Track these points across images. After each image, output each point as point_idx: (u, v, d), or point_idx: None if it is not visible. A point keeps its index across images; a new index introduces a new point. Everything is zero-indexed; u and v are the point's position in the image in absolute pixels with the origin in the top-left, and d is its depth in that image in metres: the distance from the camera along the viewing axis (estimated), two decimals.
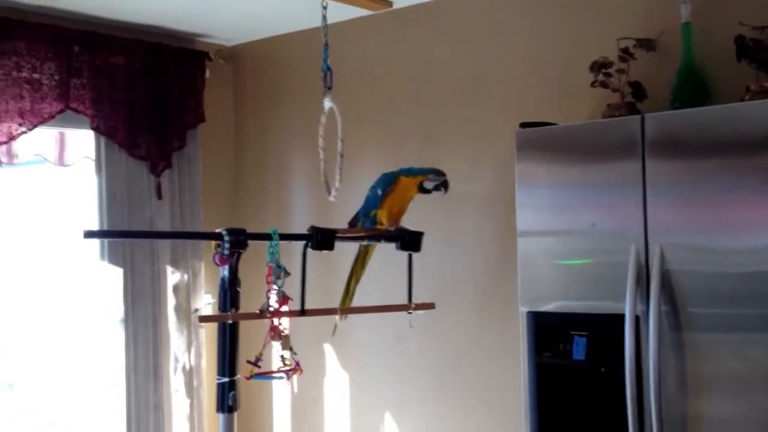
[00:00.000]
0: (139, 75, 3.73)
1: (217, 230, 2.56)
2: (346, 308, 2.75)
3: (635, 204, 2.43)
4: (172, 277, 3.83)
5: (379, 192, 2.71)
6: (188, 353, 3.85)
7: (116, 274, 3.66)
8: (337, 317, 2.73)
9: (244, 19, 3.80)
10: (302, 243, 2.62)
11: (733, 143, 2.29)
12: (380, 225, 2.74)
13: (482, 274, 3.37)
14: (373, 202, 2.73)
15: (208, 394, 3.86)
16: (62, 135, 3.78)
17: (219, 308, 2.60)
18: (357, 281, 2.81)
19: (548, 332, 2.60)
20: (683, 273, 2.34)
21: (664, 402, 2.34)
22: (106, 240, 3.63)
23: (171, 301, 3.82)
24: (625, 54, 2.82)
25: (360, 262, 2.80)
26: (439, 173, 2.68)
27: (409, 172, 2.70)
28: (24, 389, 4.21)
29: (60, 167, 3.84)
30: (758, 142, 2.24)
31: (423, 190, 2.68)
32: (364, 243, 2.76)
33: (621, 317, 2.40)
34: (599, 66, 2.82)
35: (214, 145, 4.14)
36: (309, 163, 3.78)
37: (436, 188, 2.67)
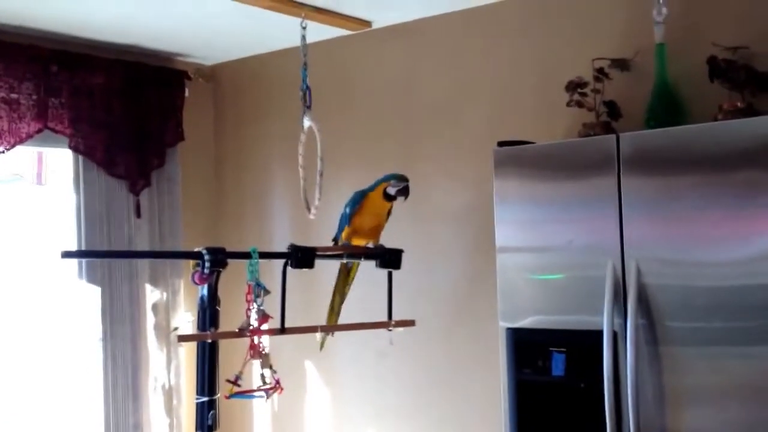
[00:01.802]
0: (117, 94, 3.73)
1: (197, 249, 2.57)
2: (326, 326, 2.76)
3: (611, 220, 2.46)
4: (151, 295, 3.82)
5: (347, 211, 2.74)
6: (168, 372, 3.84)
7: (94, 293, 3.64)
8: (320, 334, 2.74)
9: (223, 39, 3.82)
10: (283, 261, 2.63)
11: (706, 161, 2.34)
12: (354, 242, 2.76)
13: (462, 290, 3.40)
14: (344, 221, 2.75)
15: (188, 414, 3.84)
16: (40, 154, 3.78)
17: (198, 327, 2.60)
18: (342, 299, 2.82)
19: (527, 348, 2.62)
20: (659, 287, 2.38)
21: (642, 416, 2.37)
22: (84, 259, 3.61)
23: (150, 319, 3.81)
24: (600, 74, 2.87)
25: (343, 279, 2.82)
26: (401, 178, 2.71)
27: (375, 186, 2.72)
28: (3, 407, 4.17)
29: (38, 186, 3.84)
30: (730, 160, 2.29)
31: (388, 197, 2.70)
32: (344, 261, 2.78)
33: (599, 333, 2.42)
34: (575, 86, 2.87)
35: (193, 164, 4.15)
36: (290, 181, 3.79)
37: (398, 194, 2.69)
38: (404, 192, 2.70)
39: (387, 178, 2.70)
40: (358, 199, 2.72)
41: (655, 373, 2.37)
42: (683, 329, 2.34)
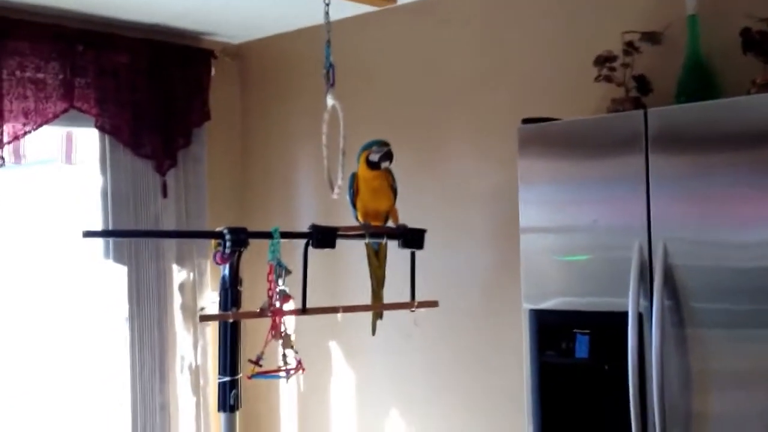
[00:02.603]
0: (143, 74, 3.72)
1: (218, 229, 2.56)
2: (348, 307, 2.73)
3: (638, 199, 2.39)
4: (178, 275, 3.83)
5: (347, 197, 2.70)
6: (194, 352, 3.85)
7: (121, 272, 3.66)
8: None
9: (249, 17, 3.79)
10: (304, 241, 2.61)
11: (737, 137, 2.25)
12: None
13: (487, 271, 3.35)
14: (352, 207, 2.72)
15: (215, 393, 3.82)
16: (70, 134, 3.80)
17: (220, 307, 2.60)
18: (379, 281, 2.78)
19: (551, 330, 2.57)
20: (687, 268, 2.30)
21: (667, 399, 2.30)
22: (108, 239, 3.63)
23: (177, 299, 3.82)
24: (630, 48, 2.78)
25: (372, 262, 2.78)
26: (382, 143, 2.64)
27: (358, 159, 2.66)
28: (30, 388, 4.23)
29: (68, 166, 3.86)
30: (763, 136, 2.19)
31: (372, 165, 2.63)
32: (366, 241, 2.75)
33: (624, 314, 2.36)
34: (603, 60, 2.78)
35: (219, 144, 4.13)
36: (315, 160, 3.75)
37: (381, 159, 2.62)
38: (387, 156, 2.62)
39: (367, 146, 2.65)
40: (351, 182, 2.68)
41: (680, 356, 2.30)
42: (710, 311, 2.26)
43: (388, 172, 2.70)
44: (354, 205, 2.71)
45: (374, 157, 2.64)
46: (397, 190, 2.74)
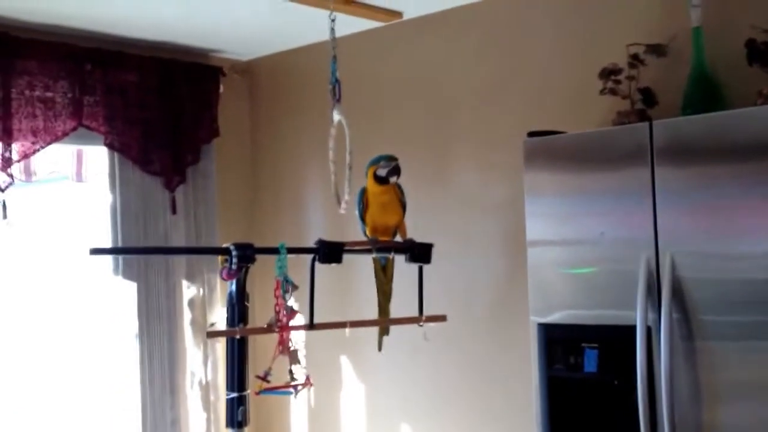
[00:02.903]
0: (152, 91, 3.74)
1: (225, 245, 2.56)
2: (355, 322, 2.73)
3: (645, 212, 2.38)
4: (188, 291, 3.84)
5: (356, 212, 2.69)
6: (204, 368, 3.86)
7: (131, 288, 3.67)
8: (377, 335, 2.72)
9: (258, 34, 3.81)
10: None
11: (743, 149, 2.24)
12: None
13: (494, 284, 3.34)
14: (360, 222, 2.71)
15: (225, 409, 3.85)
16: (80, 151, 3.82)
17: (227, 323, 2.59)
18: (386, 297, 2.77)
19: (559, 344, 2.56)
20: (695, 281, 2.29)
21: (677, 413, 2.29)
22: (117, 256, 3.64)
23: (186, 315, 3.83)
24: (635, 60, 2.78)
25: (380, 278, 2.78)
26: (390, 158, 2.62)
27: (366, 174, 2.66)
28: (41, 403, 4.23)
29: (78, 183, 3.88)
30: None
31: (379, 180, 2.62)
32: (373, 256, 2.74)
33: (632, 328, 2.35)
34: (608, 73, 2.79)
35: (229, 160, 4.15)
36: (325, 176, 3.75)
37: (389, 174, 2.61)
38: (395, 171, 2.60)
39: (373, 162, 2.64)
40: (360, 197, 2.68)
41: (690, 369, 2.29)
42: (719, 324, 2.25)
43: (397, 187, 2.70)
44: (363, 219, 2.71)
45: (382, 172, 2.64)
46: (406, 205, 2.74)
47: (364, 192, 2.68)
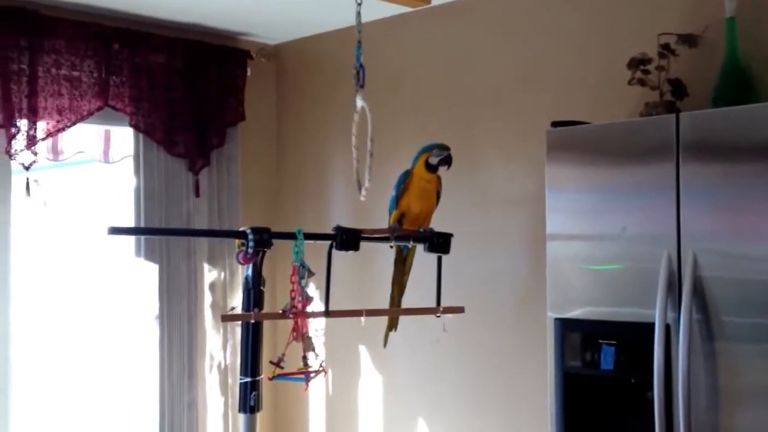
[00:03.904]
0: (179, 73, 3.73)
1: (241, 228, 2.54)
2: (371, 310, 2.69)
3: (668, 208, 2.31)
4: (209, 275, 3.83)
5: (394, 193, 2.66)
6: (223, 352, 3.85)
7: (152, 270, 3.67)
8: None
9: (286, 17, 3.78)
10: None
11: None
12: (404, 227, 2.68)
13: (513, 277, 3.29)
14: (391, 204, 2.67)
15: None
16: (108, 133, 3.83)
17: (242, 308, 2.58)
18: (401, 289, 2.75)
19: (576, 340, 2.50)
20: (717, 280, 2.22)
21: (693, 414, 2.23)
22: (142, 236, 3.64)
23: (207, 298, 3.82)
24: (666, 50, 2.70)
25: (399, 269, 2.75)
26: (443, 147, 2.60)
27: (416, 159, 2.63)
28: (60, 384, 4.27)
29: (105, 165, 3.89)
30: None
31: (430, 168, 2.60)
32: (391, 244, 2.71)
33: (651, 326, 2.29)
34: (637, 63, 2.71)
35: (254, 144, 4.13)
36: (348, 162, 3.74)
37: (440, 163, 2.59)
38: (447, 161, 2.59)
39: (428, 148, 2.61)
40: (403, 179, 2.64)
41: (708, 370, 2.22)
42: (740, 325, 2.18)
43: (439, 179, 2.67)
44: (397, 202, 2.67)
45: (434, 161, 2.61)
46: (440, 196, 2.70)
47: (407, 175, 2.64)
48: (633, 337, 2.37)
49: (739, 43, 2.55)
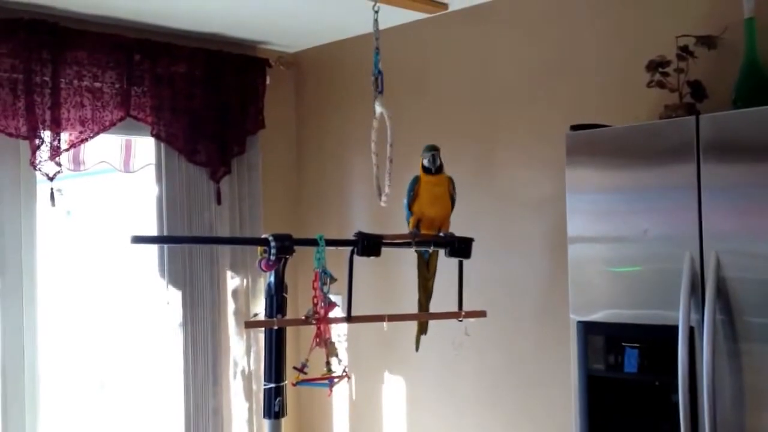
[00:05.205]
0: (199, 82, 3.77)
1: (263, 236, 2.56)
2: (393, 316, 2.70)
3: (690, 209, 2.31)
4: (232, 281, 3.86)
5: (405, 201, 2.67)
6: (247, 358, 3.87)
7: (175, 278, 3.69)
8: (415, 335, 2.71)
9: (304, 26, 3.81)
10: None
11: None
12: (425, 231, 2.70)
13: (535, 281, 3.29)
14: (405, 211, 2.69)
15: None
16: (129, 142, 3.87)
17: (265, 314, 2.60)
18: (427, 294, 2.76)
19: (599, 343, 2.50)
20: (740, 281, 2.22)
21: (719, 416, 2.22)
22: (165, 245, 3.67)
23: (230, 305, 3.85)
24: (684, 52, 2.70)
25: (423, 274, 2.76)
26: (430, 148, 2.64)
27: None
28: (86, 390, 4.31)
29: (126, 174, 3.93)
30: None
31: (426, 170, 2.64)
32: (413, 249, 2.72)
33: (674, 328, 2.28)
34: (656, 65, 2.71)
35: (274, 151, 4.16)
36: (368, 168, 3.75)
37: (429, 163, 2.63)
38: (431, 161, 2.62)
39: (423, 151, 2.65)
40: (413, 185, 2.66)
41: (733, 372, 2.22)
42: (764, 325, 2.17)
43: (450, 180, 2.68)
44: (410, 209, 2.69)
45: (425, 162, 2.64)
46: (455, 200, 2.71)
47: (417, 181, 2.66)
48: (656, 340, 2.36)
49: (758, 43, 2.55)
